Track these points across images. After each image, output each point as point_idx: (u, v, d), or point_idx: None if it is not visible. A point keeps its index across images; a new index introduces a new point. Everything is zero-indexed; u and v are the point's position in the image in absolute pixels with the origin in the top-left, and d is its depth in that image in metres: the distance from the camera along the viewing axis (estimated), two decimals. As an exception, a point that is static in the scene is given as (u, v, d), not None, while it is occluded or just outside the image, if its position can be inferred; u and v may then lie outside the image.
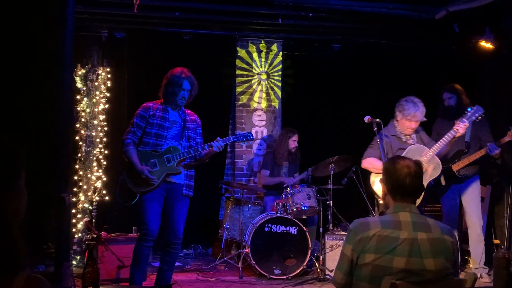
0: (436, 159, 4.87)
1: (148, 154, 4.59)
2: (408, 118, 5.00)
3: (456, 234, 4.89)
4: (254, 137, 7.69)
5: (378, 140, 4.82)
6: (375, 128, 4.76)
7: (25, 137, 1.67)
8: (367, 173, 6.29)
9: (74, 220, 6.25)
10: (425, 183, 4.74)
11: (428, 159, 4.83)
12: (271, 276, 5.82)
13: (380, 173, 4.93)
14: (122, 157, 4.71)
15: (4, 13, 5.59)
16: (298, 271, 5.86)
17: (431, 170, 4.83)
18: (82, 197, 6.45)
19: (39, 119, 5.82)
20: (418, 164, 2.56)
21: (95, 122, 6.63)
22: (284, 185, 6.67)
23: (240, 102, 7.72)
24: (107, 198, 6.59)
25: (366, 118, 4.86)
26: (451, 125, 5.92)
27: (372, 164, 5.21)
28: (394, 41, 7.50)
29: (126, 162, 4.65)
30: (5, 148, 1.58)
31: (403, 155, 4.71)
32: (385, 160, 2.64)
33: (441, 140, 4.92)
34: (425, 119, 5.03)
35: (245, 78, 7.76)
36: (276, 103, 7.84)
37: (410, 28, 7.08)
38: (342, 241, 5.82)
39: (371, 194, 6.35)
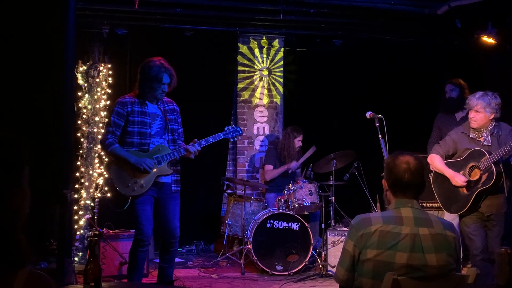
0: (492, 168, 4.42)
1: (136, 154, 4.42)
2: (467, 107, 4.67)
3: (458, 229, 4.81)
4: (256, 133, 7.69)
5: (380, 137, 4.74)
6: (377, 124, 4.70)
7: (27, 134, 1.65)
8: (371, 169, 6.30)
9: (76, 217, 6.25)
10: (473, 191, 4.50)
11: (485, 166, 4.45)
12: (273, 272, 5.82)
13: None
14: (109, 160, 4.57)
15: (6, 10, 5.59)
16: (300, 267, 5.87)
17: (484, 178, 4.47)
18: (84, 193, 6.45)
19: (40, 116, 5.82)
20: (419, 160, 2.54)
21: (97, 118, 6.62)
22: (289, 171, 6.68)
23: (241, 98, 7.72)
24: (108, 194, 6.59)
25: (368, 114, 4.79)
26: (452, 121, 5.91)
27: (432, 161, 4.88)
28: (396, 36, 7.49)
29: (114, 165, 4.50)
30: (7, 144, 1.58)
31: (464, 156, 4.61)
32: (387, 157, 2.61)
33: (503, 149, 4.38)
34: (487, 113, 4.49)
35: (246, 74, 7.74)
36: (277, 99, 7.83)
37: (412, 23, 7.07)
38: (344, 237, 5.81)
39: (373, 189, 6.36)
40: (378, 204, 6.42)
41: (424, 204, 6.46)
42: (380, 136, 4.62)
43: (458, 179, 4.59)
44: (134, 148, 4.45)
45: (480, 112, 4.54)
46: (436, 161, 4.81)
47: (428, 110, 7.08)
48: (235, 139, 4.88)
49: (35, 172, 1.66)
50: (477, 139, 4.63)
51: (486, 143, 4.58)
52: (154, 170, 4.41)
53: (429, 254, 2.35)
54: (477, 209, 4.56)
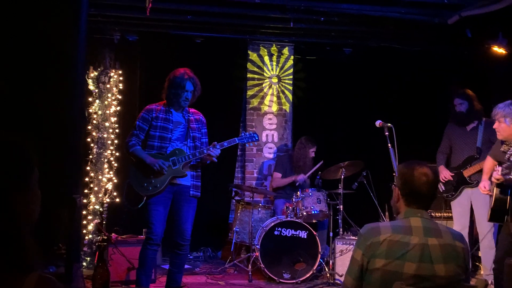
0: (492, 192, 4.35)
1: (154, 156, 4.60)
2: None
3: (467, 240, 4.74)
4: (265, 140, 7.69)
5: (389, 146, 4.69)
6: (387, 133, 4.66)
7: (37, 139, 1.66)
8: (379, 178, 6.27)
9: (84, 222, 6.28)
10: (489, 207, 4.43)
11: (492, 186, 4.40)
12: (281, 280, 5.80)
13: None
14: (130, 159, 4.73)
15: (19, 16, 5.64)
16: (308, 275, 5.85)
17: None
18: (93, 198, 6.48)
19: (52, 121, 5.86)
20: (435, 172, 2.54)
21: (107, 124, 6.66)
22: (296, 184, 6.66)
23: (251, 106, 7.73)
24: (117, 200, 6.62)
25: (378, 123, 4.76)
26: (462, 131, 5.89)
27: (484, 163, 4.91)
28: (406, 45, 7.46)
29: (133, 166, 4.68)
30: (16, 147, 1.56)
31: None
32: (401, 165, 2.60)
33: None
34: (507, 123, 4.37)
35: (256, 82, 7.76)
36: (287, 107, 7.84)
37: (422, 32, 7.04)
38: (352, 246, 5.80)
39: (382, 198, 6.34)
40: (387, 213, 6.39)
41: (433, 214, 6.44)
42: (389, 145, 4.58)
43: (481, 185, 4.60)
44: (154, 151, 4.65)
45: (500, 122, 4.43)
46: (485, 163, 4.85)
47: (437, 119, 7.05)
48: (251, 144, 5.00)
49: (45, 176, 1.66)
50: (506, 152, 4.45)
51: None
52: (168, 171, 4.57)
53: (438, 264, 2.32)
54: (504, 221, 4.40)
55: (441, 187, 5.90)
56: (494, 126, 4.51)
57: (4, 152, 1.53)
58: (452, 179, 5.82)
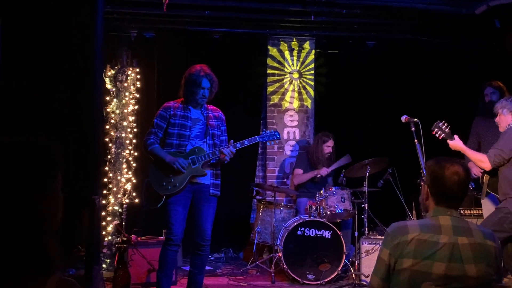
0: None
1: (173, 155, 4.54)
2: None
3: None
4: (286, 138, 7.56)
5: (416, 142, 4.56)
6: (413, 128, 4.56)
7: (56, 139, 1.65)
8: (406, 175, 6.09)
9: (104, 223, 6.22)
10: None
11: None
12: (304, 281, 5.71)
13: None
14: (149, 159, 4.68)
15: (36, 16, 5.62)
16: (332, 276, 5.73)
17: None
18: (112, 199, 6.41)
19: (70, 121, 5.83)
20: (466, 170, 2.48)
21: (125, 123, 6.59)
22: (318, 176, 6.53)
23: (271, 102, 7.62)
24: (136, 200, 6.56)
25: (403, 118, 4.67)
26: (490, 123, 5.69)
27: None
28: (431, 37, 7.37)
29: (152, 164, 4.63)
30: (41, 150, 1.57)
31: None
32: (430, 162, 2.54)
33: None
34: (504, 114, 4.66)
35: (276, 78, 7.64)
36: (308, 103, 7.70)
37: (449, 23, 6.93)
38: (378, 246, 5.69)
39: (408, 196, 6.16)
40: (414, 212, 6.22)
41: (462, 212, 6.23)
42: (416, 141, 4.49)
43: None
44: (173, 149, 4.59)
45: (500, 114, 4.65)
46: None
47: (465, 113, 6.85)
48: (272, 143, 4.94)
49: (64, 177, 1.65)
50: None
51: None
52: (188, 170, 4.50)
53: (468, 264, 2.28)
54: None
55: (471, 184, 5.72)
56: (495, 119, 4.71)
57: (30, 156, 1.55)
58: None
